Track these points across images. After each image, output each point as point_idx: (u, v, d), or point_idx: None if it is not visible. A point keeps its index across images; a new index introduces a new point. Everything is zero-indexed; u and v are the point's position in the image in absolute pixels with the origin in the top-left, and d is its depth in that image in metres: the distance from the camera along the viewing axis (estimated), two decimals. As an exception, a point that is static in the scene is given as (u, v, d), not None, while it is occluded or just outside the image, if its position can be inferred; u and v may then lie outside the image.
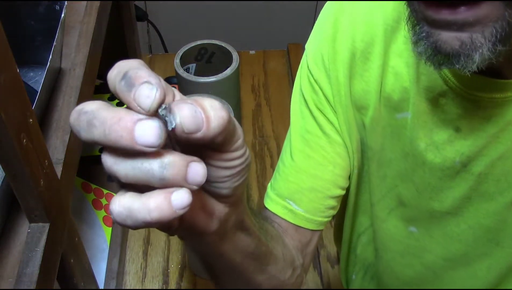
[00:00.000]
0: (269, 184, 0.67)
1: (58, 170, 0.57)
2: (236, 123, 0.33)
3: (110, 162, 0.29)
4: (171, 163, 0.28)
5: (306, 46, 0.63)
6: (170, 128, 0.28)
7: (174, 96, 0.31)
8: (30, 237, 0.52)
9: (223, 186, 0.35)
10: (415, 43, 0.43)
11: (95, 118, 0.28)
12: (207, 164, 0.31)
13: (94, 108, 0.28)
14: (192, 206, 0.29)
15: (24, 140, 0.45)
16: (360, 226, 0.72)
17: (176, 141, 0.34)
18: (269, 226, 0.58)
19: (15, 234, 0.55)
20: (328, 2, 0.61)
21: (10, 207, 0.57)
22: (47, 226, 0.53)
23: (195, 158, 0.29)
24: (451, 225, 0.61)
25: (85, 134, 0.28)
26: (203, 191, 0.36)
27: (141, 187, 0.29)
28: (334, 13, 0.59)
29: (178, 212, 0.29)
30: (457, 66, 0.41)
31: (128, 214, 0.29)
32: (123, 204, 0.29)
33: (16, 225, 0.56)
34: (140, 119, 0.27)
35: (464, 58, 0.40)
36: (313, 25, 0.63)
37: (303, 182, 0.62)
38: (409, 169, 0.60)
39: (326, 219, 0.64)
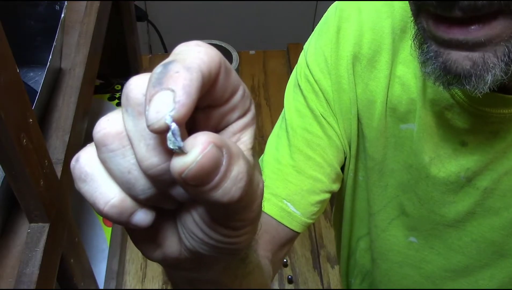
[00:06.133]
0: None
1: (58, 170, 0.57)
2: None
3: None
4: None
5: (306, 46, 0.62)
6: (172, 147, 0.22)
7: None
8: (30, 237, 0.52)
9: (242, 235, 0.28)
10: (423, 63, 0.41)
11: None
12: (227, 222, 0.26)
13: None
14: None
15: (24, 140, 0.45)
16: (358, 231, 0.71)
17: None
18: None
19: (15, 234, 0.55)
20: (333, 4, 0.60)
21: (10, 207, 0.57)
22: (47, 226, 0.53)
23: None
24: (453, 238, 0.60)
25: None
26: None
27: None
28: (339, 17, 0.57)
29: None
30: (468, 87, 0.39)
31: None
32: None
33: (16, 225, 0.56)
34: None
35: (475, 79, 0.38)
36: (313, 25, 0.63)
37: (304, 184, 0.59)
38: (412, 181, 0.59)
39: (312, 221, 0.61)
